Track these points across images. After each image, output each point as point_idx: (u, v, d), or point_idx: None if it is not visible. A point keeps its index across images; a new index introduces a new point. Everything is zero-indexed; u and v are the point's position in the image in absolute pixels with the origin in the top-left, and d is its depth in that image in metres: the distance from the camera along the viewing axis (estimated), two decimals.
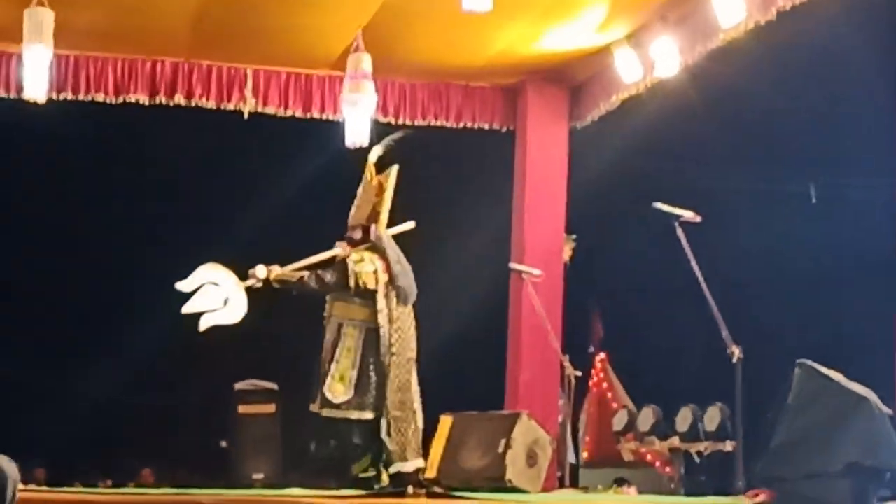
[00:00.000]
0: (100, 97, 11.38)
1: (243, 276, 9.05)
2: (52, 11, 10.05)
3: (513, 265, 11.37)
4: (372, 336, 8.89)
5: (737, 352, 8.49)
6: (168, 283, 16.48)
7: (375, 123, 11.18)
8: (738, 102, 14.00)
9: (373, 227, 9.06)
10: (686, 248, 8.83)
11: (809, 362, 7.64)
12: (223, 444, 12.77)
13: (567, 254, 12.23)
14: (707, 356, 9.62)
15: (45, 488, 8.78)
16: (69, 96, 11.30)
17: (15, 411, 15.84)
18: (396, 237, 9.15)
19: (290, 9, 10.58)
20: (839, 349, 8.60)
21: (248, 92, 11.64)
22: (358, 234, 9.13)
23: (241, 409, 11.78)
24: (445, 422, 9.57)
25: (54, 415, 16.39)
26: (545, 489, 9.88)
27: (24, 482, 5.77)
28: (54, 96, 10.99)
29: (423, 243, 9.49)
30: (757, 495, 7.68)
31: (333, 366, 8.86)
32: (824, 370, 7.61)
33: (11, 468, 5.61)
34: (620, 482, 11.06)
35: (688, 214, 9.00)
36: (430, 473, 9.16)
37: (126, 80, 11.37)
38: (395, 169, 9.21)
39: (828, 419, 7.45)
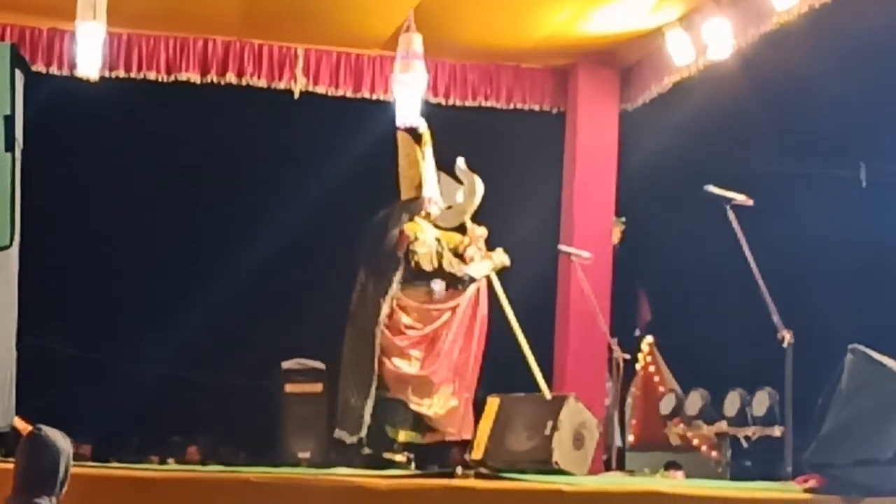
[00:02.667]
0: (151, 75, 11.43)
1: None
2: None
3: (562, 247, 11.34)
4: None
5: (787, 336, 8.44)
6: (215, 261, 16.60)
7: (426, 104, 11.17)
8: (790, 86, 13.91)
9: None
10: (738, 231, 8.78)
11: (862, 348, 7.58)
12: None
13: (616, 236, 12.21)
14: (756, 340, 9.57)
15: (91, 463, 8.83)
16: (121, 74, 11.35)
17: (62, 386, 15.98)
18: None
19: None
20: (892, 334, 8.52)
21: (299, 71, 11.65)
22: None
23: (288, 387, 11.80)
24: (492, 403, 9.54)
25: (101, 391, 16.49)
26: (592, 472, 9.84)
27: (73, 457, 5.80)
28: (107, 74, 11.04)
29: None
30: (806, 481, 7.63)
31: None
32: (877, 356, 7.55)
33: (65, 443, 5.64)
34: (672, 465, 11.04)
35: (740, 198, 8.95)
36: (477, 455, 9.15)
37: (178, 58, 11.41)
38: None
39: (879, 406, 7.39)
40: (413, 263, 9.03)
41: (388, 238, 9.03)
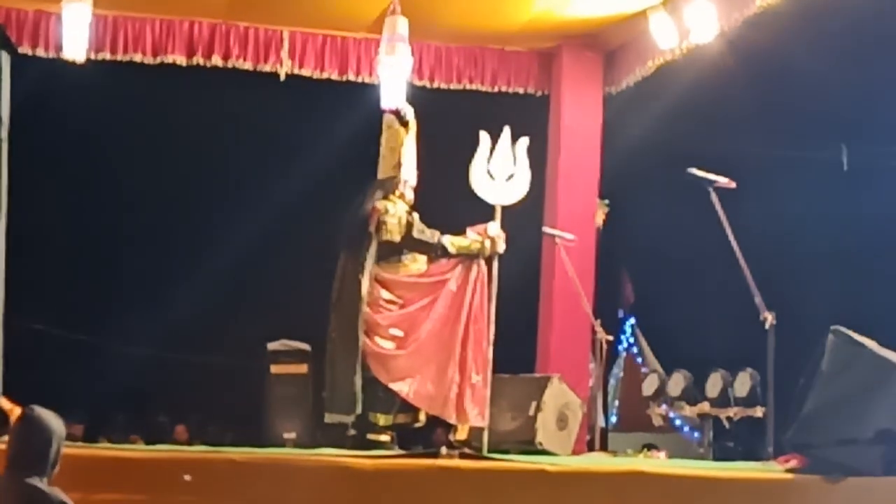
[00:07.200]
0: (137, 57, 11.43)
1: None
2: None
3: (546, 229, 11.38)
4: None
5: (770, 318, 8.50)
6: (202, 242, 16.63)
7: (411, 86, 11.19)
8: (773, 69, 13.96)
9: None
10: (720, 213, 8.83)
11: (843, 329, 7.66)
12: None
13: (600, 219, 12.25)
14: (738, 322, 9.62)
15: (82, 444, 8.87)
16: (107, 56, 11.34)
17: (53, 367, 16.01)
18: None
19: None
20: (872, 316, 8.60)
21: (285, 54, 11.67)
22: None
23: (274, 368, 11.81)
24: None
25: (92, 371, 16.52)
26: (575, 452, 9.92)
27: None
28: (93, 56, 11.04)
29: (456, 207, 9.52)
30: (787, 461, 7.70)
31: None
32: (857, 337, 7.63)
33: (58, 424, 5.67)
34: (650, 447, 11.10)
35: (722, 180, 9.00)
36: (462, 435, 9.20)
37: (164, 40, 11.42)
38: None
39: (860, 386, 7.47)
40: (385, 234, 9.02)
41: (359, 213, 9.08)
